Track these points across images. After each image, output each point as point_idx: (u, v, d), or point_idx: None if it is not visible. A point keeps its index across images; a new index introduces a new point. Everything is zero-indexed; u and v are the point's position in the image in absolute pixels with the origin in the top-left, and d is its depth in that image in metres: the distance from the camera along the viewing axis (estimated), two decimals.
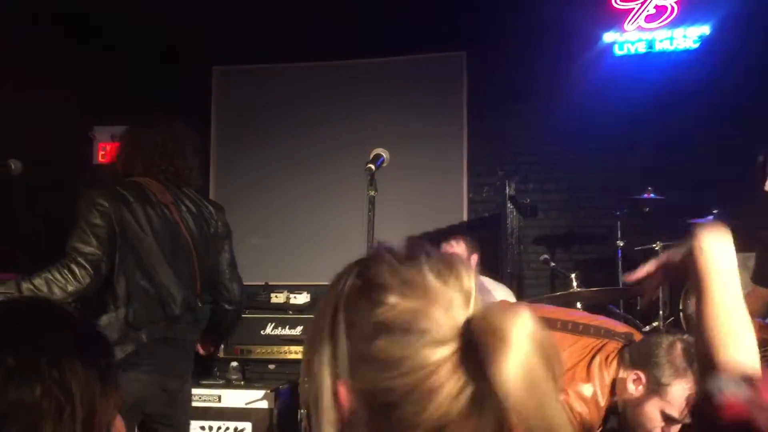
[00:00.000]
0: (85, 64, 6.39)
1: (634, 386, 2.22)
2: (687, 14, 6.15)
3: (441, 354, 0.76)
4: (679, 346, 2.19)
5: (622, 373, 2.25)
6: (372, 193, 2.37)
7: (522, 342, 0.72)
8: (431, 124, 6.63)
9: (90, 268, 2.68)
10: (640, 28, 6.24)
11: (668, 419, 2.15)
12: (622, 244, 5.54)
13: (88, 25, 6.39)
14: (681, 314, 5.34)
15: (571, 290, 3.62)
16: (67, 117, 6.41)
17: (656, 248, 5.27)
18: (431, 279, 0.79)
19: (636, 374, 2.21)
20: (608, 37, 6.29)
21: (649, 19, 6.22)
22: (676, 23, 6.18)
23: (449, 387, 0.76)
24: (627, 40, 6.27)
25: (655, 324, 5.26)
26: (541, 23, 6.09)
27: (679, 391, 2.14)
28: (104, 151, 7.23)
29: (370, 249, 2.22)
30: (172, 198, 2.95)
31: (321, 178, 6.76)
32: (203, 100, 7.09)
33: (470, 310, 0.78)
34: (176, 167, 2.97)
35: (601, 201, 6.17)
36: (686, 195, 5.49)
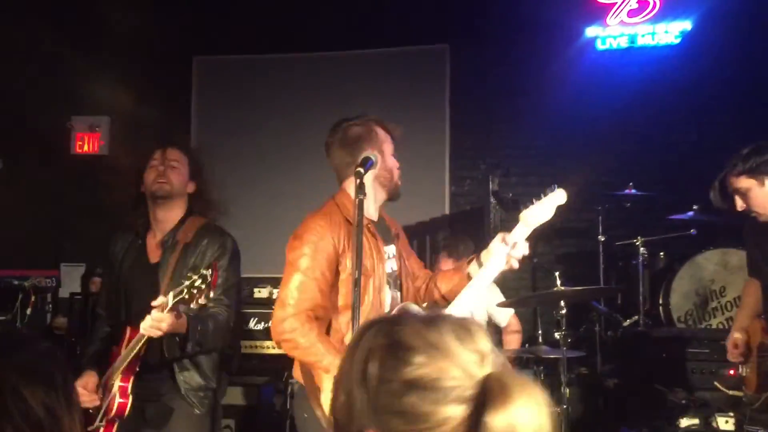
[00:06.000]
0: (63, 53, 6.28)
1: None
2: (669, 9, 6.18)
3: (462, 410, 0.83)
4: None
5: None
6: (361, 197, 2.36)
7: (521, 404, 0.82)
8: (414, 116, 6.58)
9: None
10: (623, 23, 6.25)
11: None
12: (603, 239, 5.57)
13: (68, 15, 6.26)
14: (661, 308, 5.40)
15: (555, 289, 3.61)
16: (43, 107, 6.29)
17: (637, 243, 5.31)
18: (451, 341, 0.88)
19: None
20: (591, 31, 6.30)
21: (632, 13, 6.23)
22: (658, 18, 6.20)
23: None
24: (609, 34, 6.28)
25: (635, 318, 5.30)
26: (525, 17, 6.09)
27: None
28: (82, 142, 7.12)
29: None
30: None
31: (302, 169, 6.71)
32: (183, 91, 7.00)
33: (487, 368, 0.87)
34: None
35: (583, 195, 6.18)
36: (668, 191, 5.53)
